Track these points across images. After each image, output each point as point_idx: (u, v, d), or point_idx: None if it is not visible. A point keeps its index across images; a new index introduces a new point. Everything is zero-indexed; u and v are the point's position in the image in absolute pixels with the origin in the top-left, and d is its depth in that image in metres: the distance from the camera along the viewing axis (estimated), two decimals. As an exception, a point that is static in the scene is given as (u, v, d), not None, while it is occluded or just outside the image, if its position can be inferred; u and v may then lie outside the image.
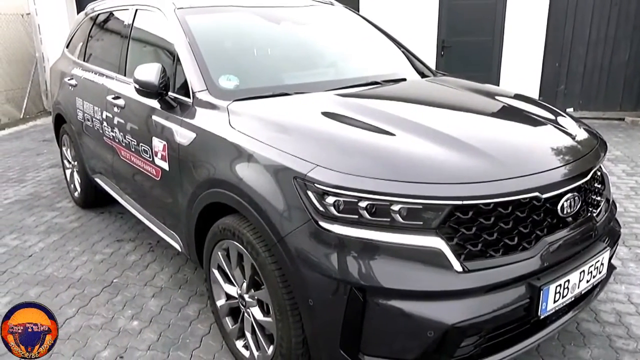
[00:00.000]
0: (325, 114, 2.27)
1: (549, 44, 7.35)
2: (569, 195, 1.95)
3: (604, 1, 7.15)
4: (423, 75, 3.22)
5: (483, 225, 1.79)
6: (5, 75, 8.44)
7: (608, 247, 2.14)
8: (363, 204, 1.73)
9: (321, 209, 1.78)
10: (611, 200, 2.39)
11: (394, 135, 2.04)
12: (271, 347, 2.13)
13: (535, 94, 7.46)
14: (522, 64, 7.36)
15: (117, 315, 2.81)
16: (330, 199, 1.76)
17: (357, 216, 1.75)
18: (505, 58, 7.43)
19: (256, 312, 2.19)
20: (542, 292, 1.83)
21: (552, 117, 2.48)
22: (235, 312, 2.39)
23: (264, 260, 1.95)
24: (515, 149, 2.08)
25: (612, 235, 2.28)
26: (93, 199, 4.31)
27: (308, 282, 1.81)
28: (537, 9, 7.18)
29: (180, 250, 2.82)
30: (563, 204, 1.94)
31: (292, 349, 1.97)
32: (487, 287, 1.76)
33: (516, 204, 1.83)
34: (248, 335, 2.29)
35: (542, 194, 1.85)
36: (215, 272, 2.41)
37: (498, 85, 7.45)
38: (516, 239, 1.85)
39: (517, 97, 2.81)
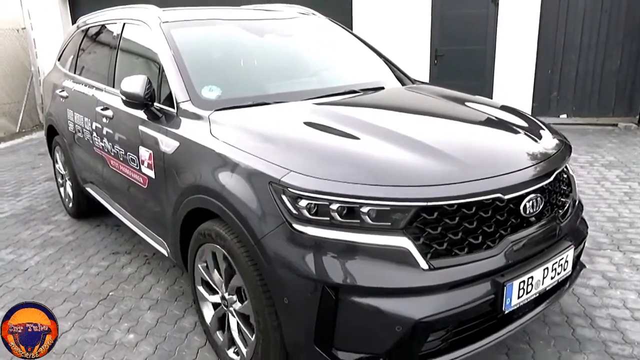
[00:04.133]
0: (301, 121, 2.37)
1: (541, 51, 7.41)
2: (531, 196, 2.03)
3: (594, 8, 7.23)
4: (403, 84, 3.30)
5: (448, 225, 1.87)
6: (0, 89, 8.45)
7: (572, 246, 2.22)
8: (334, 206, 1.82)
9: (295, 212, 1.87)
10: (577, 201, 2.48)
11: (365, 140, 2.14)
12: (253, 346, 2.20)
13: (528, 101, 7.51)
14: (515, 71, 7.42)
15: (113, 328, 2.80)
16: (303, 203, 1.85)
17: (328, 218, 1.83)
18: (498, 66, 7.48)
19: (238, 309, 2.28)
20: (505, 288, 1.92)
21: (518, 121, 2.58)
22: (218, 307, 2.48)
23: (243, 262, 2.04)
24: (479, 151, 2.18)
25: (578, 234, 2.37)
26: (85, 209, 4.36)
27: (283, 281, 1.91)
28: (529, 16, 7.25)
29: (167, 255, 2.90)
30: (526, 205, 2.02)
31: (270, 347, 2.06)
32: (452, 284, 1.85)
33: (480, 204, 1.91)
34: (233, 330, 2.36)
35: (505, 195, 1.94)
36: (200, 279, 2.50)
37: (492, 93, 7.51)
38: (480, 238, 1.93)
39: (487, 103, 2.91)
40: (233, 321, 2.33)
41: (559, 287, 2.26)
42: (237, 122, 2.43)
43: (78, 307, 3.03)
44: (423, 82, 3.49)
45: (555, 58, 7.46)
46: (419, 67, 7.61)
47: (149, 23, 3.07)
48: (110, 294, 3.17)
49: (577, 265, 2.49)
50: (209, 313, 2.51)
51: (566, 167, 2.42)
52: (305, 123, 2.35)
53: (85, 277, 3.40)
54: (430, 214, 1.83)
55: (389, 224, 1.82)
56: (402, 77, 3.42)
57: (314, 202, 1.84)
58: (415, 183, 1.87)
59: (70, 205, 4.49)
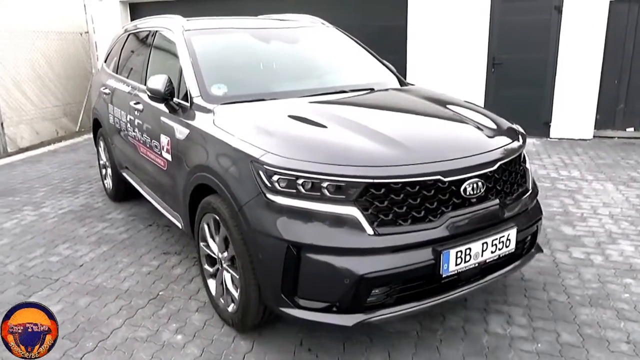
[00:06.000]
0: (285, 114, 2.82)
1: (607, 61, 7.02)
2: (472, 180, 2.37)
3: (666, 16, 6.81)
4: (399, 87, 3.68)
5: (394, 200, 2.26)
6: (63, 90, 8.83)
7: (515, 226, 2.51)
8: (300, 181, 2.25)
9: (268, 184, 2.30)
10: (531, 190, 2.80)
11: (331, 129, 2.59)
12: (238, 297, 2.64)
13: (592, 113, 7.13)
14: (578, 81, 7.07)
15: (162, 328, 2.82)
16: (275, 177, 2.28)
17: (295, 190, 2.26)
18: (559, 75, 7.14)
19: (227, 268, 2.72)
20: (442, 255, 2.26)
21: (479, 119, 2.92)
22: (213, 263, 2.91)
23: (232, 226, 2.48)
24: (426, 141, 2.60)
25: (527, 218, 2.70)
26: (122, 193, 4.91)
27: (258, 240, 2.34)
28: (595, 24, 6.90)
29: (180, 227, 3.36)
30: (466, 187, 2.36)
31: (250, 295, 2.49)
32: (394, 248, 2.23)
33: (422, 184, 2.28)
34: (222, 285, 2.80)
35: (445, 178, 2.30)
36: (202, 244, 2.95)
37: (552, 103, 7.21)
38: (423, 212, 2.30)
39: (461, 103, 3.22)
40: (226, 276, 2.74)
41: (508, 263, 2.62)
42: (235, 113, 2.90)
43: (129, 304, 3.08)
44: (413, 84, 3.84)
45: (622, 68, 7.06)
46: (475, 75, 7.40)
47: (174, 30, 3.58)
48: (160, 293, 3.20)
49: (534, 247, 2.86)
50: (209, 271, 2.95)
51: (522, 160, 2.79)
52: (289, 115, 2.79)
53: (136, 275, 3.46)
54: (377, 189, 2.23)
55: (344, 196, 2.22)
56: (400, 81, 3.81)
57: (284, 177, 2.27)
58: (365, 164, 2.27)
59: (110, 189, 5.08)
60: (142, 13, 8.89)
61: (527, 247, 2.79)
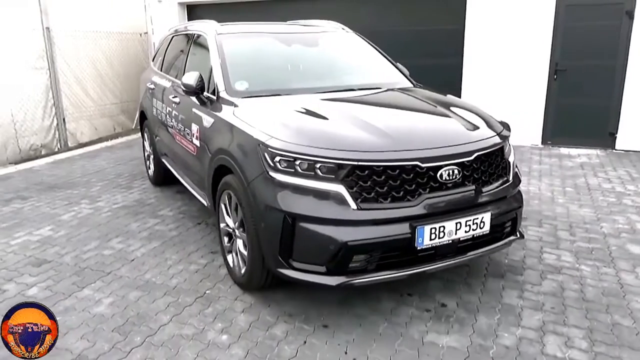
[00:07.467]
0: (293, 106, 3.22)
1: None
2: (449, 167, 2.71)
3: None
4: (405, 87, 4.00)
5: (376, 181, 2.63)
6: (122, 88, 9.14)
7: (490, 211, 2.82)
8: (297, 162, 2.66)
9: (271, 164, 2.72)
10: (511, 181, 3.09)
11: (331, 121, 3.00)
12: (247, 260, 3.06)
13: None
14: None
15: (207, 327, 2.82)
16: (277, 158, 2.70)
17: (293, 170, 2.67)
18: (629, 84, 6.71)
19: (240, 236, 3.14)
20: (417, 230, 2.61)
21: (467, 115, 3.24)
22: (230, 236, 3.35)
23: (242, 200, 2.92)
24: (410, 132, 2.97)
25: (504, 205, 2.98)
26: (162, 177, 5.42)
27: (261, 211, 2.76)
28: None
29: (206, 205, 3.82)
30: (442, 173, 2.70)
31: (256, 259, 2.92)
32: (374, 221, 2.62)
33: (402, 168, 2.64)
34: (235, 251, 3.23)
35: (423, 164, 2.65)
36: (221, 217, 3.39)
37: (619, 113, 6.81)
38: (402, 192, 2.66)
39: (456, 103, 3.57)
40: (239, 243, 3.16)
41: (487, 244, 2.93)
42: (252, 105, 3.33)
43: (177, 301, 3.10)
44: (421, 85, 4.15)
45: (698, 77, 6.57)
46: (536, 81, 7.10)
47: (208, 34, 4.07)
48: (207, 292, 3.21)
49: (515, 233, 3.12)
50: (225, 239, 3.40)
51: (504, 154, 3.06)
52: (296, 108, 3.17)
53: (184, 272, 3.49)
54: (362, 171, 2.61)
55: (333, 176, 2.62)
56: (412, 82, 4.16)
57: (284, 158, 2.68)
58: (351, 149, 2.65)
59: (152, 174, 5.63)
60: (198, 14, 9.10)
61: (506, 232, 3.07)
